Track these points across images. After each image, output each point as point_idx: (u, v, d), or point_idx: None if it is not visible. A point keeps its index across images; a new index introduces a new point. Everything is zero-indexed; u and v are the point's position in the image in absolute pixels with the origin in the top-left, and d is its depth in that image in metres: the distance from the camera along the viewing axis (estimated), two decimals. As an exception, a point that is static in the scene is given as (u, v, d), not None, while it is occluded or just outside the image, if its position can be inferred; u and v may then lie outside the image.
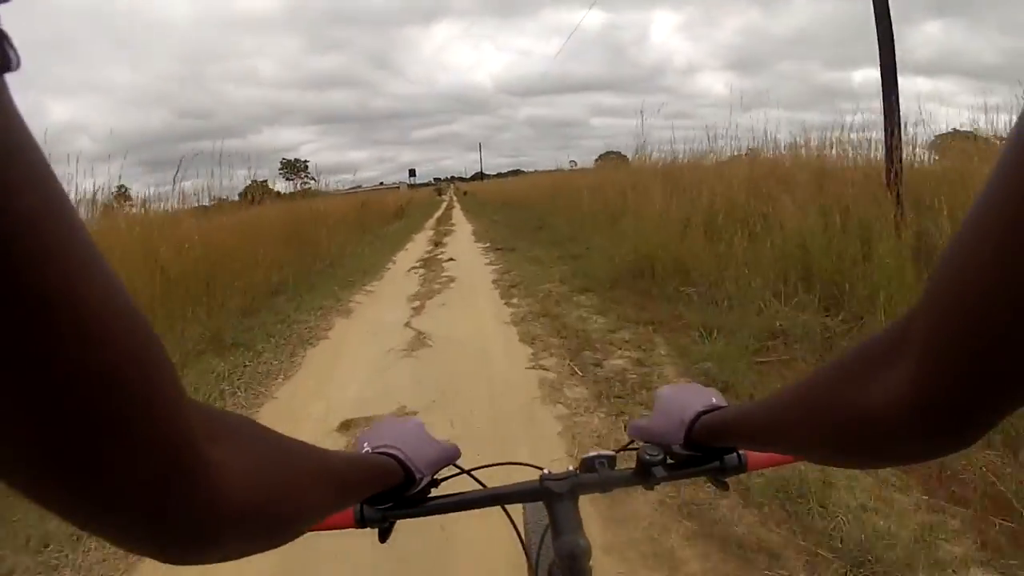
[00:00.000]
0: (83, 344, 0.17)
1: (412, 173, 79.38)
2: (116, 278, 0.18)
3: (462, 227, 15.40)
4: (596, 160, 15.18)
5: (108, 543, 0.25)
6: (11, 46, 0.15)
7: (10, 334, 0.15)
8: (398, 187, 54.19)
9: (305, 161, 57.27)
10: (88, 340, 0.17)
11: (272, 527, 0.30)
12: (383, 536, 0.57)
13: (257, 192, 11.01)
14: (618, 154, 13.76)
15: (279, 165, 56.28)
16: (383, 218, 18.20)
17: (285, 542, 0.32)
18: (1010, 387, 0.23)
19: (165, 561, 0.24)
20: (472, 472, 0.64)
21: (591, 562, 0.54)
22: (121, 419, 0.19)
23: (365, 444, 0.54)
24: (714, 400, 0.54)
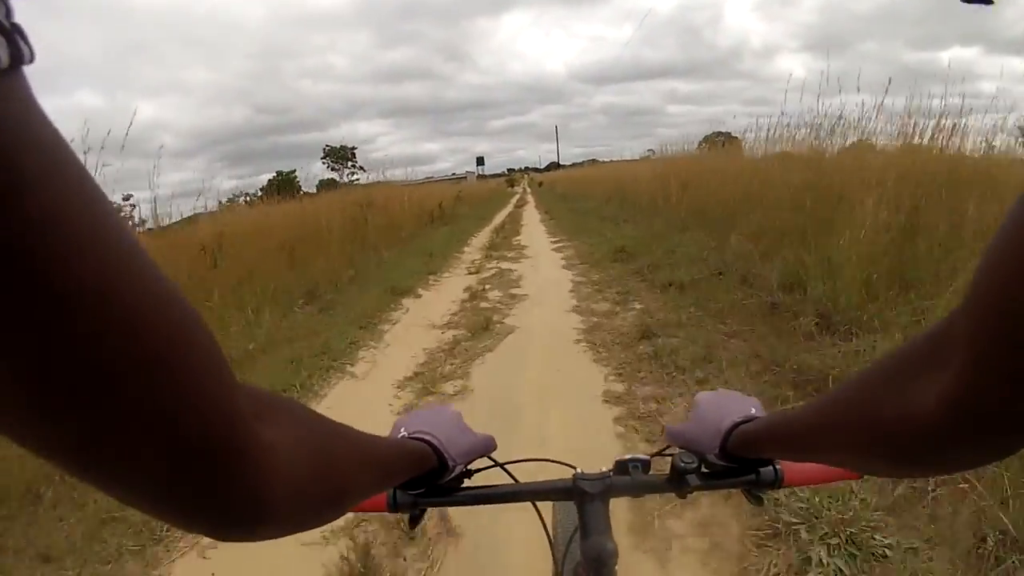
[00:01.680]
0: (123, 336, 0.17)
1: (480, 161, 73.85)
2: (155, 267, 0.18)
3: (539, 247, 8.80)
4: (701, 144, 11.16)
5: (164, 522, 0.25)
6: (25, 40, 0.15)
7: (46, 329, 0.15)
8: (464, 178, 49.64)
9: (352, 148, 52.33)
10: (127, 331, 0.17)
11: (317, 506, 0.31)
12: (413, 523, 0.57)
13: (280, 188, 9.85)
14: (727, 135, 10.09)
15: (321, 154, 52.07)
16: (413, 223, 11.70)
17: (328, 521, 0.33)
18: None
19: (217, 538, 0.25)
20: (505, 466, 0.64)
21: (617, 566, 0.53)
22: (170, 406, 0.19)
23: (402, 429, 0.54)
24: (753, 411, 0.53)
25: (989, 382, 0.24)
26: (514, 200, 28.35)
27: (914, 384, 0.28)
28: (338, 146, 52.52)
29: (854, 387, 0.34)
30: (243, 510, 0.24)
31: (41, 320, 0.15)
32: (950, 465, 0.31)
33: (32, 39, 0.15)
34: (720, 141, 10.00)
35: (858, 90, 4.95)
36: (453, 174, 52.85)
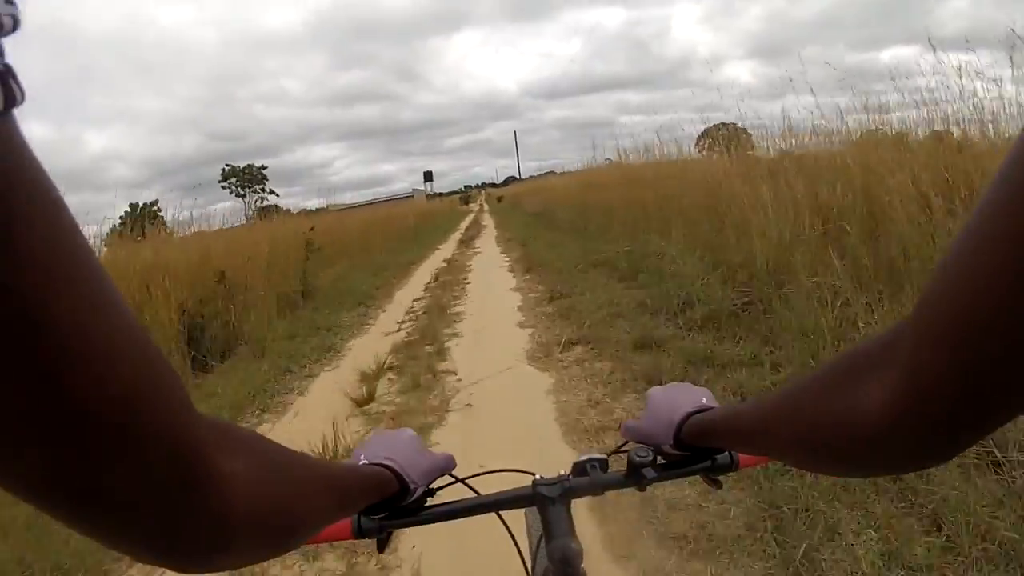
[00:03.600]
0: (93, 372, 0.17)
1: (428, 177, 63.22)
2: (123, 304, 0.19)
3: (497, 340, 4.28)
4: (699, 140, 8.41)
5: (123, 553, 0.24)
6: (16, 82, 0.15)
7: (20, 363, 0.16)
8: (411, 196, 43.10)
9: (261, 167, 43.66)
10: (98, 367, 0.17)
11: (277, 535, 0.31)
12: (381, 547, 0.58)
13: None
14: (732, 127, 7.10)
15: (219, 175, 42.52)
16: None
17: (288, 550, 0.33)
18: (992, 406, 0.23)
19: (176, 570, 0.25)
20: (467, 481, 0.64)
21: (583, 564, 0.54)
22: (135, 438, 0.19)
23: (361, 456, 0.54)
24: (704, 400, 0.54)
25: (925, 396, 0.24)
26: (468, 221, 23.14)
27: (858, 389, 0.29)
28: (242, 165, 43.86)
29: (804, 387, 0.35)
30: (204, 540, 0.24)
31: (19, 356, 0.16)
32: (892, 467, 0.31)
33: None
34: (722, 135, 7.27)
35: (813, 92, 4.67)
36: (412, 195, 43.12)
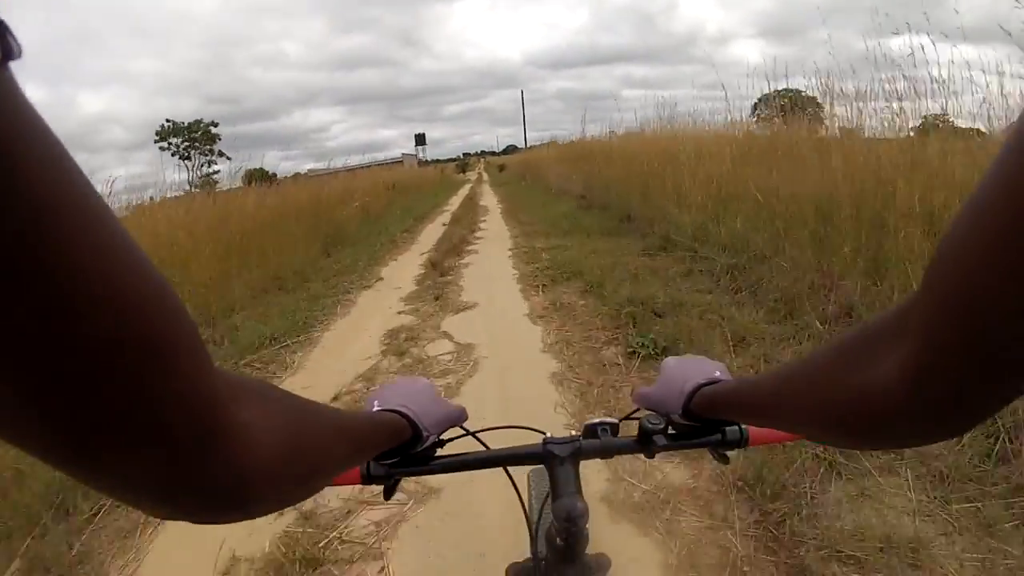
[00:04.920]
0: (116, 317, 0.17)
1: (420, 140, 55.06)
2: (139, 251, 0.19)
3: None
4: (757, 107, 6.55)
5: (143, 510, 0.24)
6: (12, 36, 0.15)
7: (34, 310, 0.16)
8: (400, 162, 36.02)
9: (211, 124, 34.73)
10: (121, 315, 0.17)
11: (295, 482, 0.31)
12: (387, 493, 0.58)
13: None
14: (796, 94, 5.76)
15: (154, 135, 34.24)
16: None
17: (306, 497, 0.33)
18: (1005, 378, 0.23)
19: (197, 522, 0.25)
20: (477, 434, 0.64)
21: (588, 524, 0.54)
22: (158, 388, 0.19)
23: (375, 402, 0.54)
24: (718, 374, 0.54)
25: (937, 368, 0.24)
26: (460, 197, 17.01)
27: (873, 361, 0.29)
28: (185, 122, 34.91)
29: (816, 360, 0.35)
30: (224, 490, 0.24)
31: (33, 302, 0.16)
32: (906, 440, 0.31)
33: None
34: (783, 104, 5.71)
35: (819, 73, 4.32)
36: (380, 161, 34.94)
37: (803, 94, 5.54)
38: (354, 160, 16.70)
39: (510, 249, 6.44)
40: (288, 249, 7.21)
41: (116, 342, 0.17)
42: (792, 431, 0.42)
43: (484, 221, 9.94)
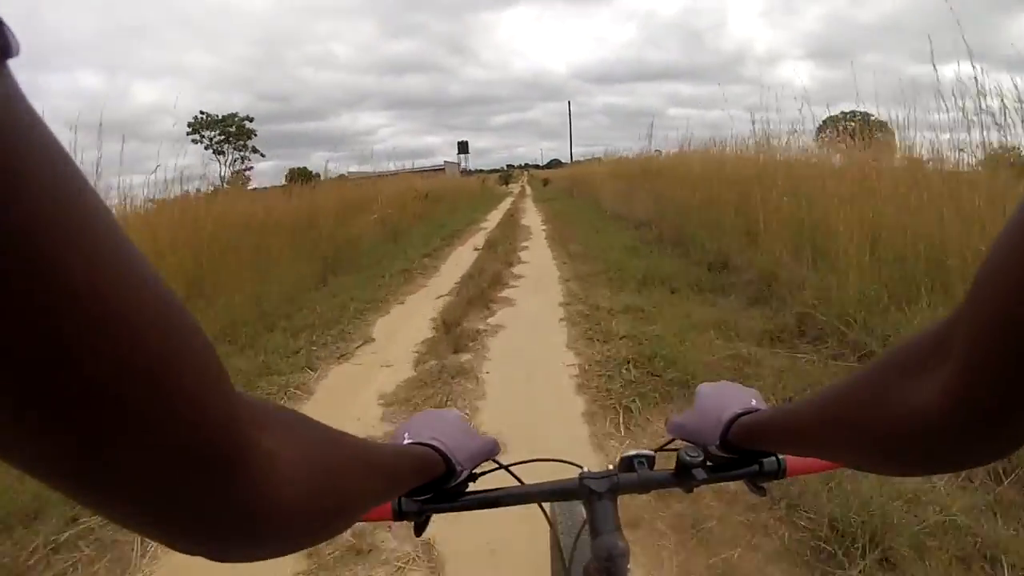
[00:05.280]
0: (115, 338, 0.16)
1: (463, 148, 51.73)
2: (146, 263, 0.17)
3: None
4: (822, 128, 6.14)
5: (161, 543, 0.22)
6: (9, 32, 0.14)
7: (36, 332, 0.14)
8: (442, 170, 34.12)
9: (246, 119, 32.50)
10: (122, 337, 0.16)
11: (322, 519, 0.29)
12: (419, 530, 0.55)
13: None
14: (864, 117, 5.43)
15: (187, 127, 31.38)
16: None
17: (334, 535, 0.31)
18: None
19: (216, 559, 0.23)
20: (510, 468, 0.62)
21: (629, 564, 0.52)
22: (167, 414, 0.18)
23: (406, 435, 0.52)
24: (754, 402, 0.53)
25: (982, 387, 0.24)
26: (496, 216, 14.94)
27: (914, 382, 0.28)
28: (220, 116, 33.06)
29: (855, 384, 0.34)
30: (241, 527, 0.23)
31: (33, 327, 0.14)
32: (948, 464, 0.30)
33: (32, 20, 0.19)
34: (851, 127, 5.39)
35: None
36: (423, 167, 31.43)
37: (872, 117, 5.13)
38: (396, 165, 15.97)
39: (561, 303, 4.53)
40: (274, 271, 5.57)
41: (113, 363, 0.16)
42: (832, 458, 0.41)
43: (525, 249, 8.04)
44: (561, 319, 4.12)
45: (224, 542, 0.23)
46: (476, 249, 7.99)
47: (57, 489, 0.18)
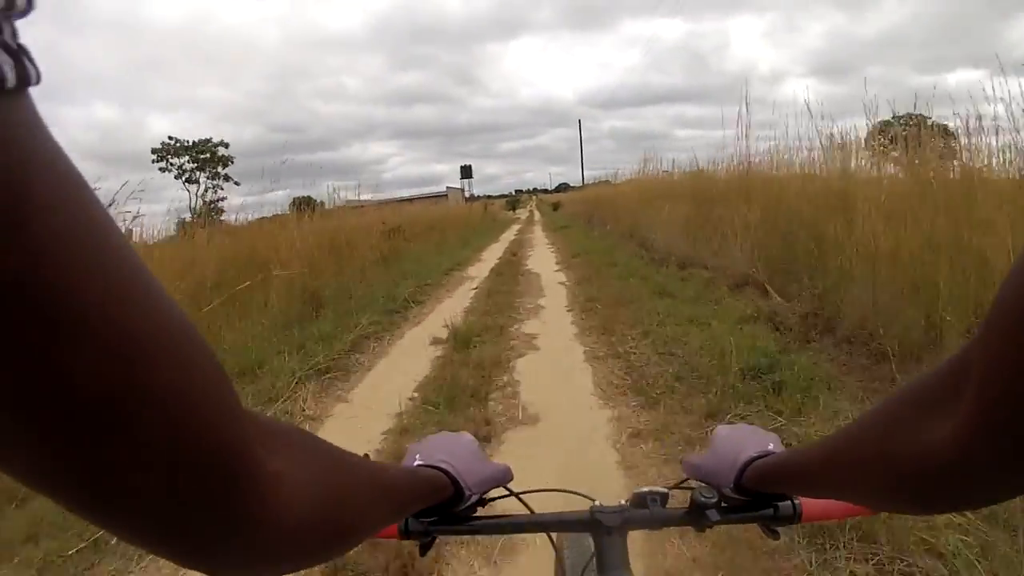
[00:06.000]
0: (130, 366, 0.16)
1: (466, 172, 47.61)
2: (162, 291, 0.18)
3: None
4: (874, 133, 4.63)
5: (166, 558, 0.22)
6: (31, 61, 0.14)
7: (50, 360, 0.14)
8: (444, 196, 30.87)
9: (220, 144, 29.10)
10: (134, 359, 0.16)
11: (329, 540, 0.29)
12: (424, 551, 0.56)
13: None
14: (919, 121, 4.10)
15: (151, 154, 28.61)
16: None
17: (340, 554, 0.31)
18: None
19: None
20: (521, 495, 0.61)
21: None
22: (177, 434, 0.18)
23: (416, 456, 0.52)
24: (771, 446, 0.52)
25: (1004, 417, 0.23)
26: (489, 258, 11.44)
27: (928, 420, 0.28)
28: (189, 141, 29.64)
29: (867, 424, 0.33)
30: (249, 546, 0.23)
31: (46, 350, 0.14)
32: (966, 502, 0.30)
33: (51, 54, 0.15)
34: (904, 133, 4.17)
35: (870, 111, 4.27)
36: (422, 194, 30.05)
37: (931, 122, 4.35)
38: (402, 192, 13.83)
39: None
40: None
41: (126, 389, 0.16)
42: (847, 499, 0.40)
43: (533, 347, 4.16)
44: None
45: (227, 559, 0.23)
46: (436, 342, 4.20)
47: (67, 508, 0.18)
